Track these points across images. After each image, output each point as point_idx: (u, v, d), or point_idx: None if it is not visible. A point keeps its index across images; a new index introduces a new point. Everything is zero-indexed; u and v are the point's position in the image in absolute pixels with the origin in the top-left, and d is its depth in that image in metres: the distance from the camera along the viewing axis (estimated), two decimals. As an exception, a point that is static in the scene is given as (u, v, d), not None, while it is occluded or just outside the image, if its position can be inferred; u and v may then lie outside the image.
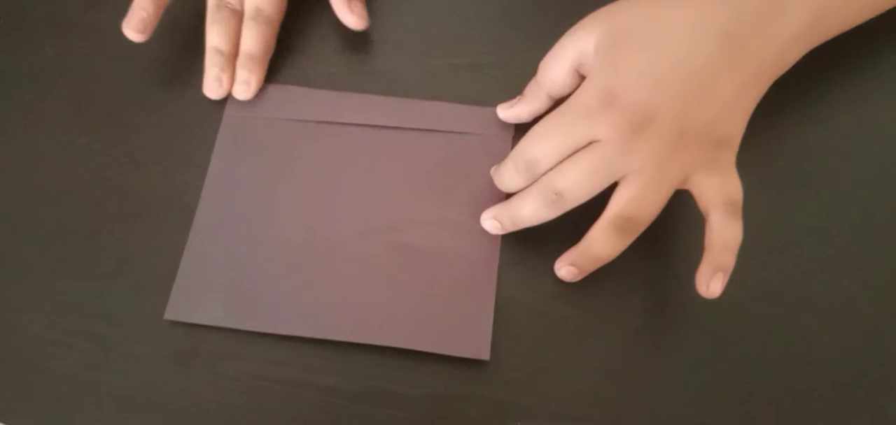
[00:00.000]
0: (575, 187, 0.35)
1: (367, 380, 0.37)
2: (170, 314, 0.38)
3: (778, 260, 0.40)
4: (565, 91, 0.39)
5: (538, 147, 0.36)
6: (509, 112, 0.42)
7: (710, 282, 0.35)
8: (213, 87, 0.43)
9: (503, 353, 0.38)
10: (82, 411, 0.36)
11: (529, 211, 0.37)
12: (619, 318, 0.38)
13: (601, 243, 0.36)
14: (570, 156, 0.36)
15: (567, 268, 0.38)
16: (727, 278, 0.35)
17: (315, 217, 0.40)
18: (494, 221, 0.39)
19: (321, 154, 0.42)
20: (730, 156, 0.36)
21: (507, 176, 0.38)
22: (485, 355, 0.37)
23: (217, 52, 0.43)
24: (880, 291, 0.40)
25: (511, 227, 0.39)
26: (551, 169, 0.36)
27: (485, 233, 0.40)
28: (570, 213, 0.36)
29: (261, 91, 0.44)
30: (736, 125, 0.37)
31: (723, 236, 0.35)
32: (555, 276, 0.39)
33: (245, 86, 0.43)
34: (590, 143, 0.35)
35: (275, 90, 0.44)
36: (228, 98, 0.44)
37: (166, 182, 0.42)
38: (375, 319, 0.38)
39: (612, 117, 0.35)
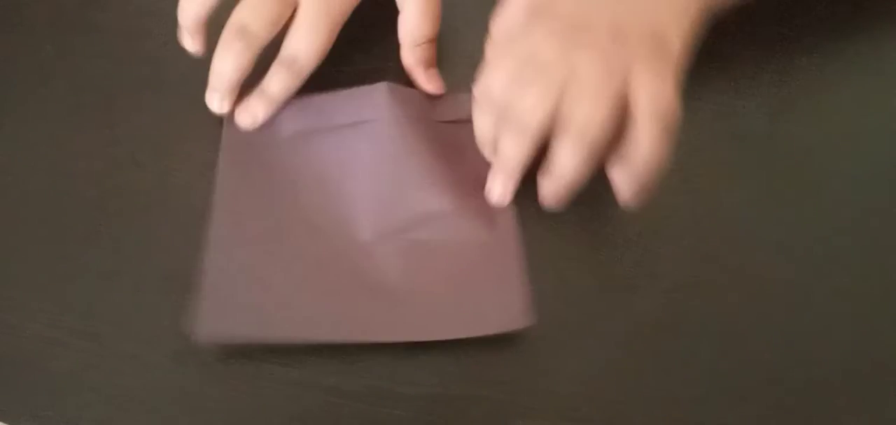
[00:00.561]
0: (534, 111, 0.35)
1: (368, 380, 0.37)
2: (201, 335, 0.37)
3: (778, 260, 0.40)
4: None
5: (488, 77, 0.37)
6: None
7: (628, 192, 0.35)
8: (213, 102, 0.42)
9: (503, 353, 0.38)
10: (82, 410, 0.36)
11: (511, 152, 0.37)
12: (619, 318, 0.38)
13: (564, 161, 0.35)
14: (520, 78, 0.36)
15: (548, 198, 0.38)
16: (645, 194, 0.34)
17: (330, 224, 0.40)
18: (497, 187, 0.39)
19: (325, 160, 0.42)
20: (669, 62, 0.35)
21: (479, 123, 0.39)
22: (527, 322, 0.37)
23: (222, 76, 0.41)
24: (880, 291, 0.40)
25: (510, 178, 0.39)
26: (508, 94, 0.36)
27: (506, 220, 0.40)
28: (571, 217, 0.36)
29: None
30: (675, 28, 0.36)
31: (647, 145, 0.34)
32: (554, 276, 0.39)
33: (252, 119, 0.42)
34: (531, 59, 0.35)
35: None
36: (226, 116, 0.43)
37: (167, 182, 0.41)
38: (411, 315, 0.38)
39: (547, 26, 0.35)
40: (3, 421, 0.36)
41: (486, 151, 0.40)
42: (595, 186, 0.41)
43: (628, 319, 0.39)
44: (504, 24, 0.37)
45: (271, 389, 0.37)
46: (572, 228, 0.40)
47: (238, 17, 0.40)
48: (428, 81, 0.43)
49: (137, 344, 0.38)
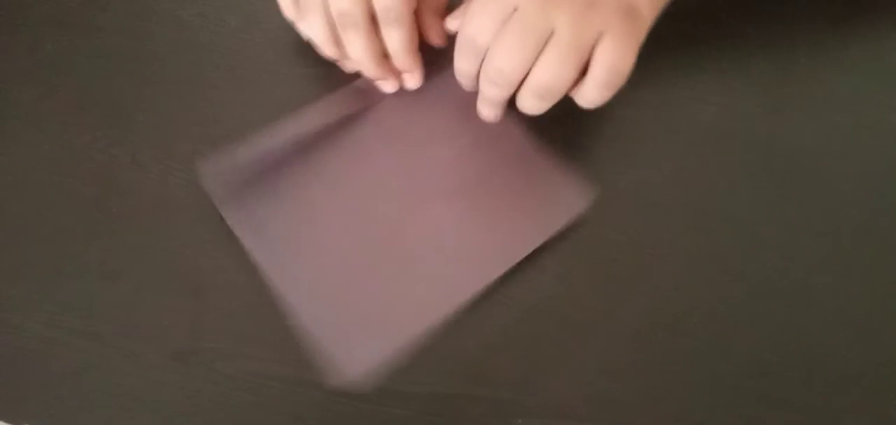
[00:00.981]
0: (510, 59, 0.37)
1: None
2: (356, 379, 0.37)
3: (778, 260, 0.40)
4: None
5: (472, 25, 0.38)
6: (454, 22, 0.43)
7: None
8: (386, 87, 0.44)
9: (504, 353, 0.38)
10: (82, 410, 0.36)
11: (492, 95, 0.39)
12: (619, 318, 0.38)
13: (530, 108, 0.39)
14: (504, 32, 0.38)
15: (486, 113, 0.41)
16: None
17: (363, 218, 0.41)
18: (485, 113, 0.41)
19: (332, 163, 0.42)
20: (634, 30, 0.38)
21: (460, 66, 0.40)
22: (586, 200, 0.40)
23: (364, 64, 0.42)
24: (880, 291, 0.40)
25: (494, 109, 0.41)
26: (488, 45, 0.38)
27: (515, 129, 0.42)
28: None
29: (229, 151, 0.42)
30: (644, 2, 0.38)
31: (587, 102, 0.38)
32: (555, 276, 0.39)
33: (412, 77, 0.44)
34: (514, 13, 0.37)
35: (244, 144, 0.42)
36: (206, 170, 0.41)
37: (167, 181, 0.41)
38: (485, 256, 0.39)
39: None
40: (4, 420, 0.36)
41: (466, 85, 0.41)
42: (595, 185, 0.41)
43: (628, 319, 0.39)
44: None
45: (271, 389, 0.37)
46: (572, 228, 0.40)
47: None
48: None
49: (138, 343, 0.38)
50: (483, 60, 0.39)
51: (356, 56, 0.42)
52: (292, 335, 0.38)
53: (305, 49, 0.45)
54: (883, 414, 0.37)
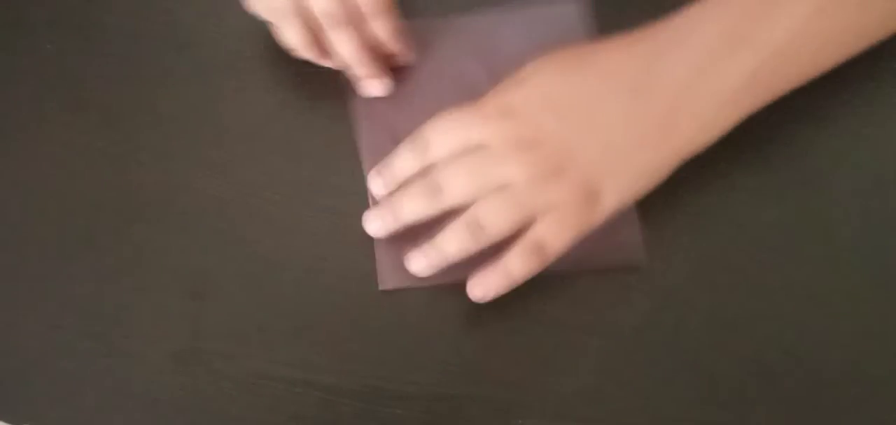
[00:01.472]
0: (452, 184, 0.37)
1: (368, 379, 0.37)
2: (386, 285, 0.39)
3: (778, 259, 0.40)
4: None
5: (437, 134, 0.38)
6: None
7: (476, 286, 0.37)
8: (375, 88, 0.43)
9: (504, 353, 0.38)
10: (83, 410, 0.36)
11: (409, 204, 0.38)
12: (619, 318, 0.38)
13: (451, 238, 0.37)
14: (459, 153, 0.37)
15: (413, 255, 0.38)
16: (491, 294, 0.37)
17: None
18: (377, 222, 0.39)
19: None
20: (588, 220, 0.37)
21: (401, 154, 0.39)
22: (641, 258, 0.39)
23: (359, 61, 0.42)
24: (880, 291, 0.40)
25: (393, 225, 0.39)
26: (441, 160, 0.37)
27: None
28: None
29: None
30: (616, 187, 0.38)
31: (511, 263, 0.36)
32: (555, 276, 0.39)
33: (406, 57, 0.43)
34: (479, 147, 0.37)
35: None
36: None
37: (168, 181, 0.41)
38: None
39: (505, 127, 0.37)
40: (5, 420, 0.36)
41: (378, 186, 0.40)
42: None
43: (628, 319, 0.39)
44: (480, 106, 0.38)
45: (271, 388, 0.37)
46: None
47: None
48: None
49: (138, 344, 0.38)
50: (424, 167, 0.38)
51: (348, 55, 0.41)
52: (292, 335, 0.38)
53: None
54: (883, 415, 0.37)
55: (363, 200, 0.41)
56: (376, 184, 0.40)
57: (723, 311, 0.39)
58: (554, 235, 0.36)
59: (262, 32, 0.44)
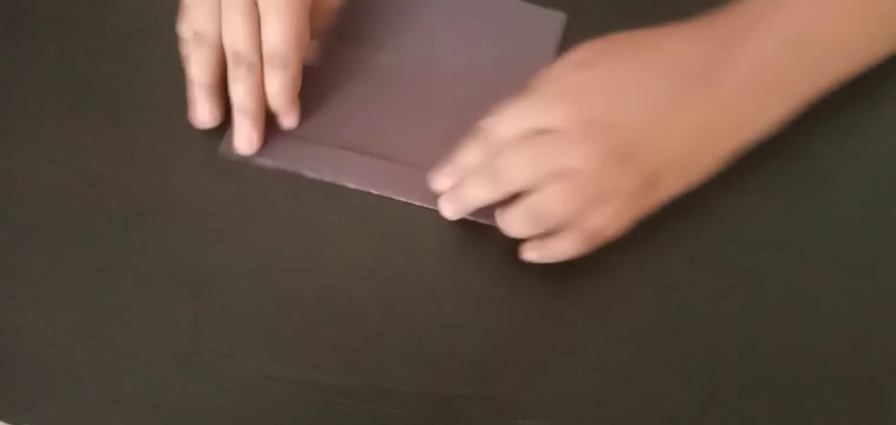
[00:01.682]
0: (515, 168, 0.37)
1: (368, 379, 0.37)
2: (225, 149, 0.40)
3: (778, 260, 0.40)
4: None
5: (501, 123, 0.38)
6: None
7: (528, 250, 0.38)
8: (204, 121, 0.42)
9: (504, 352, 0.38)
10: (83, 410, 0.36)
11: (473, 191, 0.38)
12: (619, 317, 0.38)
13: (512, 223, 0.37)
14: (521, 143, 0.37)
15: (447, 207, 0.39)
16: (539, 259, 0.38)
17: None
18: (448, 208, 0.40)
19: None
20: (647, 204, 0.38)
21: (467, 147, 0.39)
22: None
23: (201, 86, 0.42)
24: (880, 291, 0.40)
25: (462, 210, 0.39)
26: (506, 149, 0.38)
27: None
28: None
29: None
30: (677, 174, 0.38)
31: (563, 246, 0.37)
32: (555, 275, 0.39)
33: (289, 119, 0.42)
34: (543, 131, 0.37)
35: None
36: None
37: (167, 181, 0.42)
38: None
39: (571, 111, 0.36)
40: (5, 420, 0.36)
41: (453, 173, 0.40)
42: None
43: (628, 319, 0.39)
44: (543, 91, 0.38)
45: (271, 388, 0.37)
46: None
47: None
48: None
49: (138, 343, 0.38)
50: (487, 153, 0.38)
51: (239, 99, 0.41)
52: (293, 335, 0.38)
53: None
54: (883, 415, 0.37)
55: (364, 199, 0.41)
56: (442, 181, 0.40)
57: (723, 311, 0.39)
58: (611, 223, 0.37)
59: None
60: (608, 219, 0.37)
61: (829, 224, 0.41)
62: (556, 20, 0.45)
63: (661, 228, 0.40)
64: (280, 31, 0.40)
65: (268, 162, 0.41)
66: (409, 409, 0.36)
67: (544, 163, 0.36)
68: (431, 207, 0.40)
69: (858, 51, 0.40)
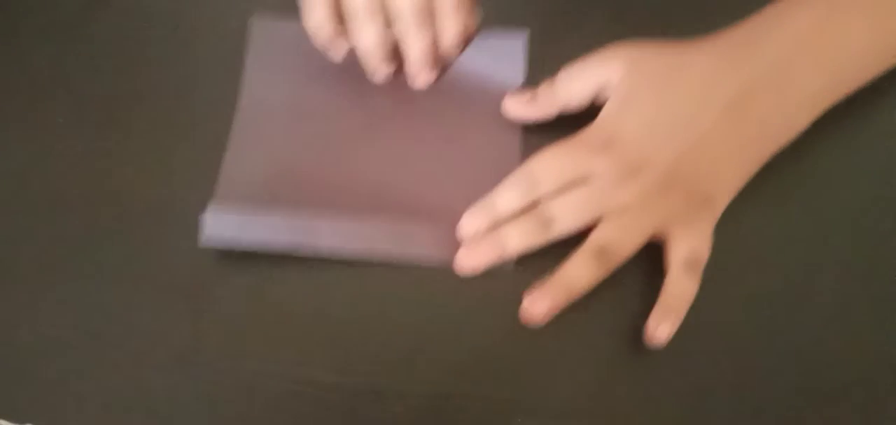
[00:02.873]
0: (565, 215, 0.38)
1: (368, 378, 0.37)
2: (207, 238, 0.38)
3: (778, 260, 0.40)
4: (579, 108, 0.41)
5: (545, 169, 0.39)
6: (518, 110, 0.42)
7: (658, 328, 0.37)
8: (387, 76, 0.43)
9: (504, 351, 0.38)
10: (84, 410, 0.36)
11: (518, 236, 0.38)
12: (619, 316, 0.38)
13: (577, 270, 0.38)
14: (566, 186, 0.38)
15: (539, 302, 0.37)
16: (674, 327, 0.37)
17: (353, 134, 0.42)
18: (476, 260, 0.39)
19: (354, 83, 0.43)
20: (710, 216, 0.39)
21: (507, 192, 0.39)
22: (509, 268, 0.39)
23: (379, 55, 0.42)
24: (880, 291, 0.40)
25: (495, 258, 0.39)
26: (548, 195, 0.39)
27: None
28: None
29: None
30: (725, 188, 0.39)
31: (677, 289, 0.38)
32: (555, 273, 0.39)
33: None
34: (586, 178, 0.38)
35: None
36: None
37: (167, 184, 0.42)
38: (423, 235, 0.40)
39: (611, 157, 0.38)
40: (5, 419, 0.36)
41: (498, 201, 0.40)
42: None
43: (629, 318, 0.39)
44: (585, 138, 0.39)
45: (270, 390, 0.37)
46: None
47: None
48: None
49: (139, 344, 0.38)
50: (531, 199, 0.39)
51: (366, 48, 0.42)
52: (293, 334, 0.38)
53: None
54: (883, 415, 0.37)
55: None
56: (472, 223, 0.39)
57: (722, 312, 0.39)
58: (692, 242, 0.38)
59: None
60: (679, 239, 0.38)
61: (828, 224, 0.41)
62: (518, 40, 0.45)
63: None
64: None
65: (254, 241, 0.39)
66: (409, 409, 0.36)
67: (595, 206, 0.38)
68: (437, 266, 0.39)
69: (871, 60, 0.42)
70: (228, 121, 0.43)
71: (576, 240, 0.38)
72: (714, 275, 0.40)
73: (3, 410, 0.36)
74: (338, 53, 0.43)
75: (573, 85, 0.41)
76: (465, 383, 0.37)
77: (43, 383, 0.37)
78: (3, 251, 0.40)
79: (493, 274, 0.39)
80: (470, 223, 0.39)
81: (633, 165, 0.38)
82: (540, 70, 0.43)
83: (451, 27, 0.41)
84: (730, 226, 0.41)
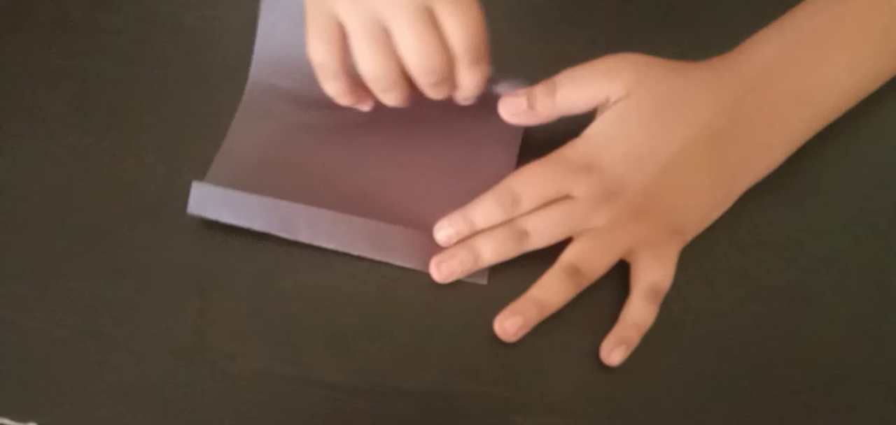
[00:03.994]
0: (539, 230, 0.39)
1: (369, 377, 0.37)
2: (193, 207, 0.39)
3: (778, 260, 0.40)
4: (577, 114, 0.41)
5: (525, 188, 0.39)
6: (516, 116, 0.41)
7: (612, 351, 0.37)
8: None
9: (503, 350, 0.38)
10: (85, 408, 0.36)
11: (492, 247, 0.39)
12: (618, 315, 0.38)
13: (550, 288, 0.38)
14: (546, 203, 0.39)
15: (511, 319, 0.38)
16: (628, 352, 0.37)
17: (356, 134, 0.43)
18: (451, 263, 0.39)
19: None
20: (677, 246, 0.39)
21: (486, 206, 0.39)
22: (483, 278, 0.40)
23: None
24: (880, 291, 0.40)
25: (470, 267, 0.39)
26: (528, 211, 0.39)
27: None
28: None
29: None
30: (696, 220, 0.40)
31: (635, 315, 0.38)
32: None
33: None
34: (565, 197, 0.39)
35: None
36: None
37: (171, 183, 0.42)
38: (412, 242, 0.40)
39: (590, 182, 0.39)
40: (8, 418, 0.36)
41: (475, 216, 0.40)
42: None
43: (628, 318, 0.39)
44: (567, 156, 0.39)
45: (273, 386, 0.37)
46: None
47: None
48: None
49: (142, 342, 0.38)
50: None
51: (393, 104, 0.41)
52: (295, 333, 0.38)
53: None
54: (882, 415, 0.37)
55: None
56: (447, 232, 0.40)
57: (722, 311, 0.39)
58: (656, 270, 0.38)
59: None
60: (650, 268, 0.38)
61: (829, 224, 0.41)
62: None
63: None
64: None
65: (236, 219, 0.40)
66: (409, 407, 0.37)
67: (571, 224, 0.39)
68: (418, 269, 0.40)
69: (851, 91, 0.42)
70: (232, 116, 0.43)
71: (552, 249, 0.39)
72: (713, 274, 0.40)
73: (8, 408, 0.36)
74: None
75: (575, 95, 0.40)
76: (463, 381, 0.37)
77: (48, 381, 0.37)
78: (8, 246, 0.40)
79: (466, 284, 0.39)
80: (443, 229, 0.39)
81: (610, 191, 0.38)
82: (540, 70, 0.43)
83: (468, 86, 0.40)
84: (730, 226, 0.41)
